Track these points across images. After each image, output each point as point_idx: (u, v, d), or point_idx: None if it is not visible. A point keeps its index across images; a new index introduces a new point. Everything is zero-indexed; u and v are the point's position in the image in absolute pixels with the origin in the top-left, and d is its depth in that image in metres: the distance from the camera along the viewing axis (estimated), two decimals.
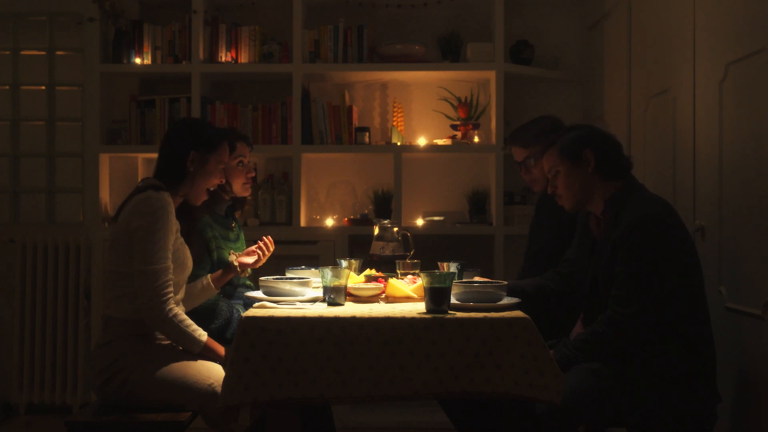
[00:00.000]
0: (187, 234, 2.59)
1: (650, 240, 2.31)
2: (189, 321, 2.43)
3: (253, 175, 3.06)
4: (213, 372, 2.42)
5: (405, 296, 2.52)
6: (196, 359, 2.46)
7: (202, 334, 2.46)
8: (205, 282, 2.74)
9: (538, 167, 3.09)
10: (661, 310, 2.31)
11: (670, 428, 2.33)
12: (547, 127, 3.14)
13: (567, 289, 2.77)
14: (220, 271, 2.79)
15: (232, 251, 2.84)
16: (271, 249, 2.85)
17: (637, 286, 2.30)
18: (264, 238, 2.85)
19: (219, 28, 4.12)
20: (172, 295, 2.39)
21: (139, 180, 2.59)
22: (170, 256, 2.41)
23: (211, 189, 2.62)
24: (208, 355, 2.48)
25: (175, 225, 2.46)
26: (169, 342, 2.47)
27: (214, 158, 2.57)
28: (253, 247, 2.84)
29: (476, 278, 2.70)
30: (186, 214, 2.59)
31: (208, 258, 2.82)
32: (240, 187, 3.01)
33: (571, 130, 2.57)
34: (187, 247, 2.56)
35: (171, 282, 2.40)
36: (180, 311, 2.42)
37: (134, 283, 2.38)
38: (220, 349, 2.50)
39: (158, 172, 2.56)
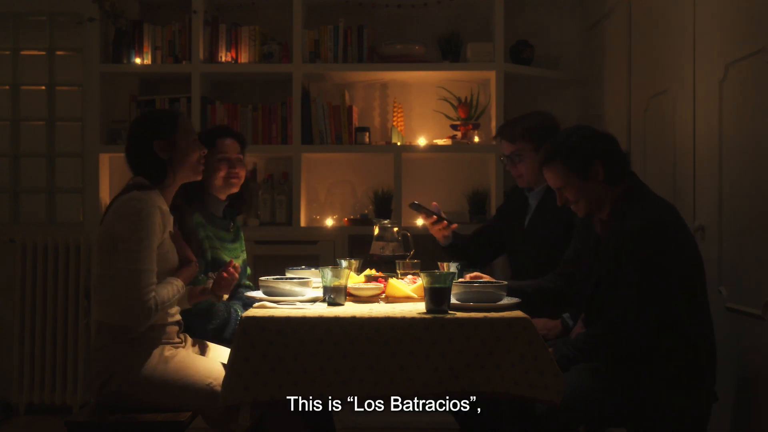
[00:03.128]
0: (183, 234, 2.56)
1: (654, 245, 2.30)
2: (167, 294, 2.38)
3: (237, 171, 2.96)
4: (212, 371, 2.42)
5: (405, 296, 2.51)
6: (193, 359, 2.46)
7: (180, 287, 2.44)
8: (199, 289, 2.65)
9: (524, 163, 3.10)
10: (663, 314, 2.31)
11: (669, 428, 2.33)
12: (537, 124, 3.12)
13: (566, 290, 2.77)
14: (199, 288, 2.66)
15: (210, 275, 2.71)
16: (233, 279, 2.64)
17: (640, 291, 2.29)
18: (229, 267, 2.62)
19: (219, 28, 4.12)
20: (154, 295, 2.34)
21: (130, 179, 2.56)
22: (154, 258, 2.37)
23: (202, 164, 2.57)
24: (202, 296, 2.55)
25: (160, 226, 2.41)
26: (165, 343, 2.45)
27: (180, 136, 2.52)
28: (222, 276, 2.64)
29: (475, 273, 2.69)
30: (176, 210, 2.56)
31: (202, 258, 2.81)
32: (221, 181, 2.95)
33: (570, 137, 2.51)
34: (173, 246, 2.50)
35: (154, 285, 2.35)
36: (156, 294, 2.35)
37: (117, 285, 2.34)
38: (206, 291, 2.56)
39: (140, 171, 2.51)
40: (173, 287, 2.42)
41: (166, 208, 2.46)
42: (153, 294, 2.34)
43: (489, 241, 3.35)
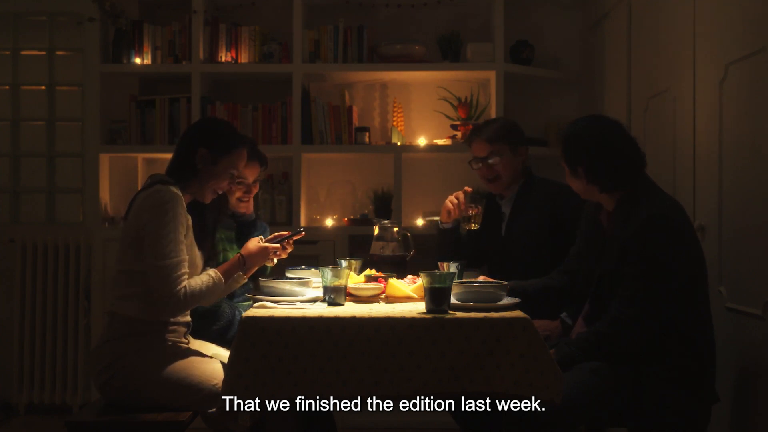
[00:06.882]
0: (198, 233, 2.55)
1: (659, 241, 2.30)
2: (200, 283, 2.40)
3: (251, 193, 3.02)
4: (217, 372, 2.42)
5: (405, 296, 2.52)
6: (199, 359, 2.46)
7: (218, 277, 2.45)
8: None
9: (502, 163, 3.08)
10: (665, 311, 2.31)
11: (669, 428, 2.33)
12: (509, 126, 3.15)
13: (570, 287, 2.76)
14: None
15: (260, 236, 2.75)
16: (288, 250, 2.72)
17: (643, 287, 2.29)
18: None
19: (219, 28, 4.12)
20: (185, 285, 2.35)
21: (147, 177, 2.55)
22: (183, 248, 2.37)
23: (219, 192, 2.58)
24: (236, 272, 2.52)
25: (186, 219, 2.42)
26: (172, 342, 2.46)
27: (225, 161, 2.52)
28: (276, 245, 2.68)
29: (481, 277, 2.69)
30: (197, 212, 2.55)
31: (215, 260, 2.81)
32: (234, 201, 2.98)
33: (576, 125, 2.53)
34: (196, 246, 2.52)
35: (186, 275, 2.36)
36: (187, 285, 2.36)
37: (148, 279, 2.35)
38: (235, 263, 2.53)
39: (169, 167, 2.53)
40: (207, 276, 2.43)
41: (185, 207, 2.45)
42: (184, 284, 2.35)
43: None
